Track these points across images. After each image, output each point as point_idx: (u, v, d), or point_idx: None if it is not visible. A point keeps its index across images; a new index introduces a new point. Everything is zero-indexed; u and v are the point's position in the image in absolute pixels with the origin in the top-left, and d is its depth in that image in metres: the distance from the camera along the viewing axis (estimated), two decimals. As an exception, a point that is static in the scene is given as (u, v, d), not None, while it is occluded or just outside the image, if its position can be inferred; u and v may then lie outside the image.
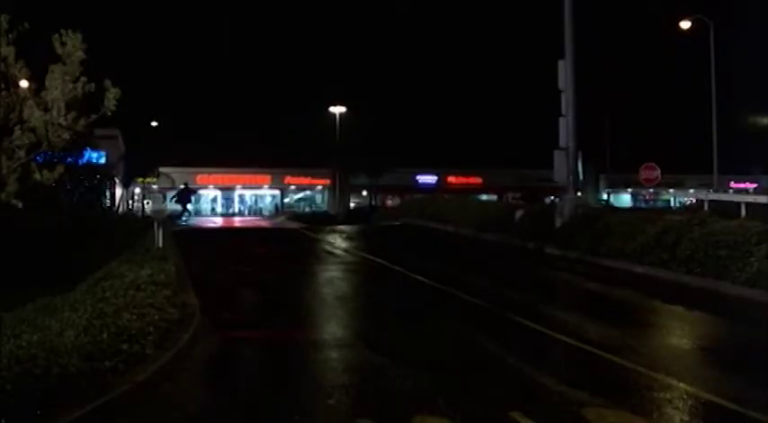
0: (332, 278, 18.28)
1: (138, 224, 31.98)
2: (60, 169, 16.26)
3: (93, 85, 15.24)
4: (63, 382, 7.77)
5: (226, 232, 39.36)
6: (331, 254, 23.33)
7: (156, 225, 19.62)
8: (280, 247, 25.51)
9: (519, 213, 26.80)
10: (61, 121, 14.54)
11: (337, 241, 26.09)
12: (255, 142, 74.71)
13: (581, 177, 25.97)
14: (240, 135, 75.05)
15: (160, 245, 18.96)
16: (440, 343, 11.25)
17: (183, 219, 65.32)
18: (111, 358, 8.68)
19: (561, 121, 24.49)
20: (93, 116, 15.38)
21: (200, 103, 78.25)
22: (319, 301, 14.99)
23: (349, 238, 28.15)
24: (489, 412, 8.00)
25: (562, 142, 24.63)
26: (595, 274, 18.82)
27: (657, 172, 37.95)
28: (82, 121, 14.85)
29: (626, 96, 73.67)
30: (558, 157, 24.83)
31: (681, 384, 8.92)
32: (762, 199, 35.67)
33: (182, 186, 63.54)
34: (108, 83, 15.40)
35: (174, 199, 60.56)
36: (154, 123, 73.95)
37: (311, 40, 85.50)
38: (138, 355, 9.08)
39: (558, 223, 23.73)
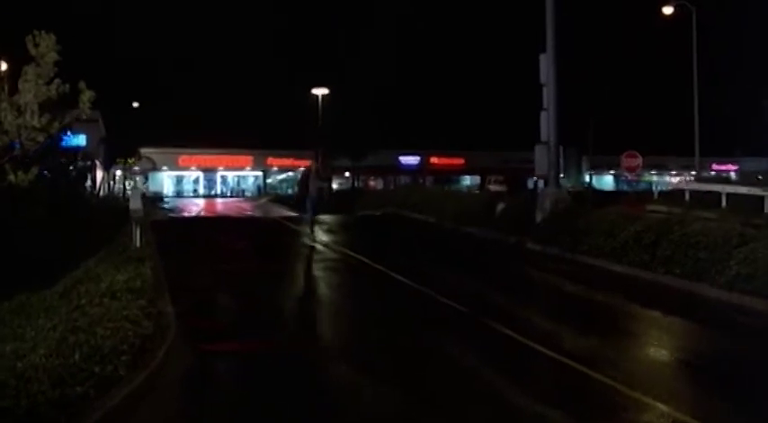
0: (312, 278, 18.20)
1: (120, 206, 31.80)
2: (35, 170, 16.13)
3: (67, 86, 15.10)
4: (31, 415, 7.64)
5: (205, 223, 38.92)
6: (312, 249, 23.20)
7: (133, 223, 19.46)
8: (259, 242, 25.33)
9: (500, 206, 26.73)
10: (35, 123, 14.41)
11: (318, 235, 25.94)
12: (238, 123, 74.48)
13: (562, 170, 25.83)
14: (223, 116, 74.82)
15: (138, 244, 18.80)
16: (418, 356, 11.16)
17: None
18: (82, 383, 8.53)
19: (543, 114, 24.39)
20: (68, 119, 15.26)
21: (182, 84, 77.81)
22: (297, 307, 14.93)
23: (330, 230, 27.99)
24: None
25: (543, 136, 24.55)
26: (575, 274, 18.78)
27: (639, 160, 38.07)
28: (56, 124, 14.73)
29: (609, 79, 73.62)
30: (540, 151, 24.78)
31: (659, 405, 8.84)
32: (742, 189, 35.81)
33: None
34: (82, 84, 15.26)
35: None
36: (135, 104, 73.56)
37: (294, 19, 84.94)
38: (110, 378, 8.94)
39: (538, 218, 23.70)
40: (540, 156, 24.75)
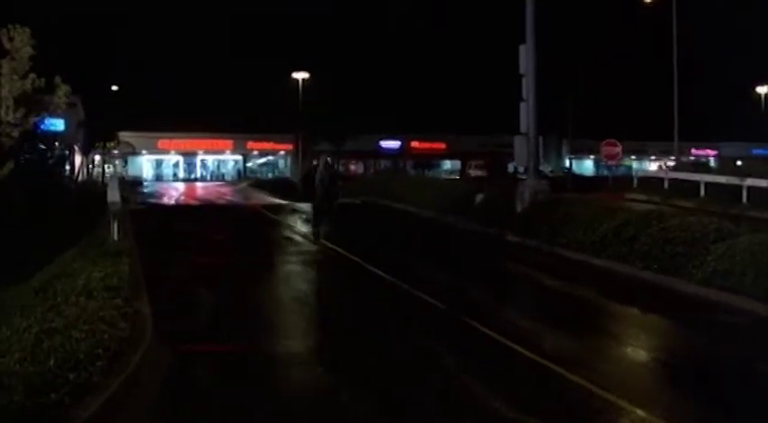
0: (290, 274, 18.10)
1: (98, 191, 31.53)
2: (11, 165, 15.99)
3: (43, 80, 14.97)
4: (4, 425, 7.60)
5: (184, 212, 38.69)
6: (290, 241, 23.13)
7: (111, 216, 19.33)
8: (238, 233, 25.23)
9: (479, 197, 26.73)
10: (10, 119, 14.27)
11: (297, 225, 25.88)
12: (218, 107, 74.11)
13: (542, 156, 25.88)
14: (203, 100, 74.40)
15: (115, 237, 18.69)
16: (394, 356, 11.13)
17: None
18: (57, 390, 8.48)
19: (522, 105, 24.35)
20: (45, 113, 15.14)
21: (162, 67, 77.26)
22: (276, 305, 14.82)
23: (308, 221, 27.85)
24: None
25: (523, 127, 24.52)
26: (554, 268, 18.79)
27: (618, 148, 38.26)
28: (31, 119, 14.60)
29: (590, 64, 73.62)
30: (519, 142, 24.77)
31: (634, 408, 8.84)
32: (720, 179, 35.92)
33: None
34: (58, 79, 15.14)
35: None
36: (114, 88, 73.02)
37: (275, 2, 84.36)
38: (85, 385, 8.88)
39: (518, 209, 23.70)
40: (520, 146, 24.74)
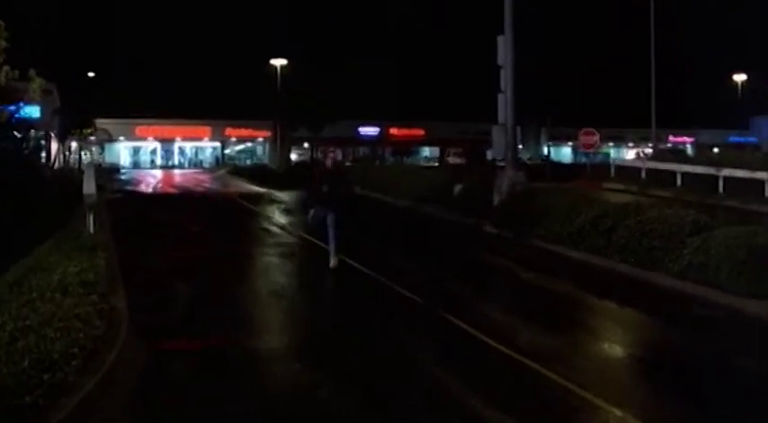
0: (268, 266, 18.06)
1: (75, 178, 31.24)
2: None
3: (17, 72, 14.81)
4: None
5: (161, 201, 38.45)
6: (268, 232, 23.07)
7: (87, 209, 19.20)
8: (215, 224, 25.14)
9: (457, 187, 26.75)
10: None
11: (275, 215, 25.82)
12: (196, 94, 73.77)
13: (519, 142, 25.90)
14: (181, 86, 74.03)
15: (91, 230, 18.56)
16: (372, 352, 11.13)
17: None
18: (31, 392, 8.41)
19: (500, 97, 24.35)
20: (21, 104, 15.01)
21: (139, 53, 76.75)
22: (253, 298, 14.77)
23: (287, 210, 27.86)
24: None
25: (501, 118, 24.52)
26: (532, 260, 18.84)
27: (596, 137, 38.38)
28: (5, 113, 14.47)
29: (569, 51, 73.74)
30: (497, 133, 24.77)
31: (610, 407, 8.85)
32: (697, 169, 36.10)
33: None
34: (32, 72, 14.98)
35: None
36: (91, 74, 72.49)
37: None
38: (60, 386, 8.81)
39: (495, 200, 23.73)
40: (498, 137, 24.75)
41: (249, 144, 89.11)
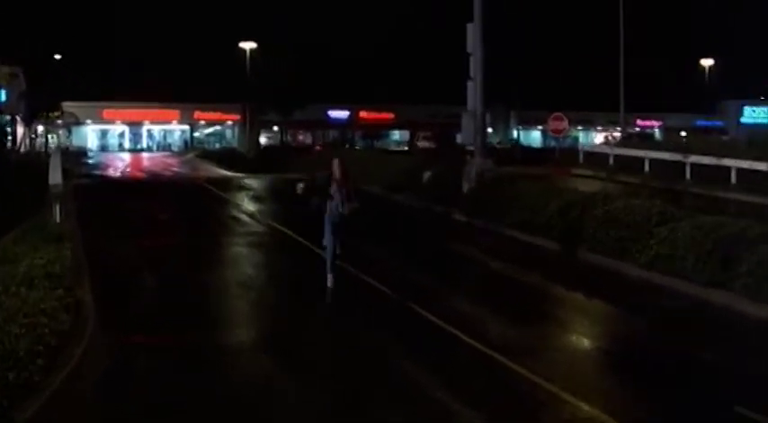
0: (237, 256, 18.00)
1: (42, 161, 30.81)
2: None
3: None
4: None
5: (129, 187, 38.09)
6: (237, 221, 22.95)
7: (53, 199, 18.99)
8: (184, 212, 24.96)
9: (427, 174, 26.74)
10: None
11: (244, 203, 25.69)
12: (165, 77, 73.12)
13: (489, 125, 25.98)
14: (150, 69, 73.37)
15: (57, 220, 18.37)
16: (342, 345, 11.16)
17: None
18: (-4, 392, 8.33)
19: (469, 84, 24.34)
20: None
21: (106, 36, 75.88)
22: (222, 290, 14.72)
23: (256, 198, 27.75)
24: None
25: (470, 105, 24.52)
26: (501, 249, 18.89)
27: (565, 123, 38.44)
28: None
29: (538, 33, 73.86)
30: (466, 120, 24.77)
31: (577, 401, 8.91)
32: (665, 155, 36.35)
33: None
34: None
35: None
36: (57, 56, 71.68)
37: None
38: (25, 385, 8.71)
39: (465, 188, 23.75)
40: (467, 124, 24.76)
41: (218, 127, 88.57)
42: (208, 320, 12.44)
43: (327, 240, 14.53)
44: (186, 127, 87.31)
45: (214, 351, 10.82)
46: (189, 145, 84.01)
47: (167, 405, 8.93)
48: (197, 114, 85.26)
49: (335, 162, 14.87)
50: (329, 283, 14.24)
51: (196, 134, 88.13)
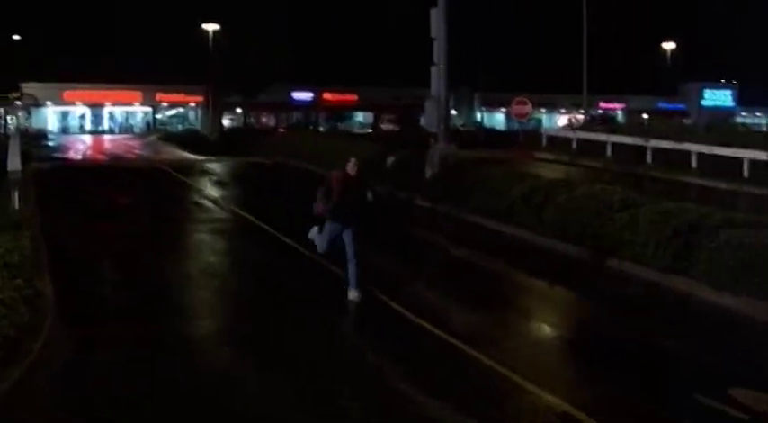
0: (199, 243, 17.89)
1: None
2: None
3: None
4: None
5: (90, 171, 37.58)
6: (200, 207, 22.76)
7: (11, 185, 18.75)
8: (146, 197, 24.73)
9: (390, 159, 26.71)
10: None
11: (206, 188, 25.50)
12: (127, 58, 72.24)
13: (452, 106, 26.01)
14: (111, 51, 72.46)
15: (16, 206, 18.14)
16: (305, 335, 11.10)
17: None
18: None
19: (433, 70, 24.30)
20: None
21: (70, 17, 74.80)
22: (184, 279, 14.59)
23: (219, 183, 27.56)
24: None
25: (434, 90, 24.50)
26: (464, 235, 18.92)
27: (528, 107, 38.67)
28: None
29: (502, 16, 73.91)
30: (430, 105, 24.77)
31: (540, 391, 8.96)
32: (626, 139, 36.60)
33: None
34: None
35: None
36: (16, 37, 70.69)
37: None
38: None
39: (428, 173, 23.77)
40: (430, 110, 24.76)
41: (181, 109, 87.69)
42: (170, 309, 12.37)
43: (324, 247, 13.25)
44: (148, 109, 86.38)
45: (177, 340, 10.77)
46: (151, 127, 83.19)
47: (129, 397, 8.84)
48: (159, 96, 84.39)
49: (352, 161, 12.98)
50: (352, 297, 12.67)
51: (158, 116, 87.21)
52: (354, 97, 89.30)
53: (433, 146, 24.69)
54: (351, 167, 12.91)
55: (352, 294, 12.70)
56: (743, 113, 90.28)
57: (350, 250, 12.96)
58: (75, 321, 11.43)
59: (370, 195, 13.05)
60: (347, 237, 12.97)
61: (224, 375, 9.54)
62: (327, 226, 13.04)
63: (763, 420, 8.43)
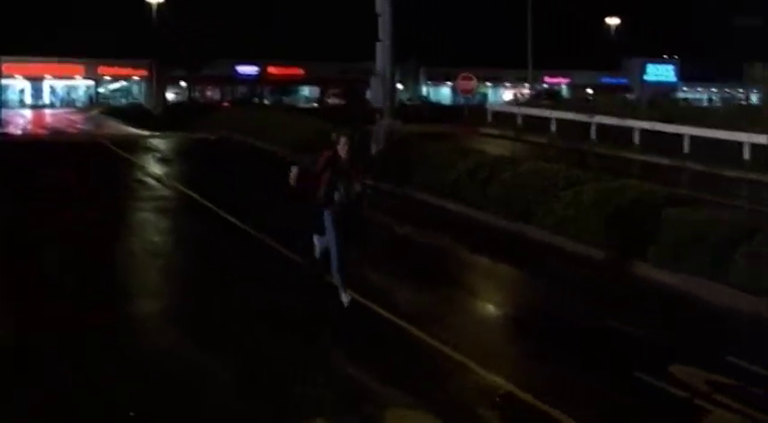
0: (142, 222, 17.64)
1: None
2: None
3: None
4: None
5: (28, 145, 36.88)
6: (143, 185, 22.44)
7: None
8: (86, 175, 24.31)
9: (334, 137, 26.50)
10: None
11: (150, 165, 25.18)
12: (68, 30, 70.89)
13: (398, 79, 25.92)
14: (53, 23, 71.06)
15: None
16: (249, 318, 10.99)
17: None
18: None
19: (378, 46, 24.18)
20: None
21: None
22: (127, 257, 14.39)
23: (163, 160, 27.22)
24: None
25: (379, 66, 24.40)
26: (408, 212, 18.83)
27: (474, 82, 38.80)
28: None
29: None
30: (375, 82, 24.69)
31: (483, 371, 9.02)
32: (571, 115, 36.91)
33: None
34: None
35: None
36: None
37: None
38: None
39: (373, 150, 23.69)
40: (375, 87, 24.69)
41: (124, 83, 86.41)
42: (112, 289, 12.21)
43: (331, 241, 11.74)
44: (91, 82, 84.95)
45: (119, 320, 10.63)
46: (94, 101, 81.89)
47: (77, 386, 8.64)
48: (102, 69, 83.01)
49: (342, 141, 11.59)
50: (344, 300, 11.26)
51: (101, 90, 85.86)
52: (300, 71, 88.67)
53: (379, 122, 24.62)
54: (342, 148, 11.56)
55: (345, 297, 11.32)
56: (684, 88, 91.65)
57: (336, 249, 11.63)
58: (10, 303, 11.20)
59: (358, 186, 11.79)
60: (332, 229, 11.69)
61: (167, 355, 9.46)
62: (327, 216, 11.66)
63: (697, 396, 8.61)
